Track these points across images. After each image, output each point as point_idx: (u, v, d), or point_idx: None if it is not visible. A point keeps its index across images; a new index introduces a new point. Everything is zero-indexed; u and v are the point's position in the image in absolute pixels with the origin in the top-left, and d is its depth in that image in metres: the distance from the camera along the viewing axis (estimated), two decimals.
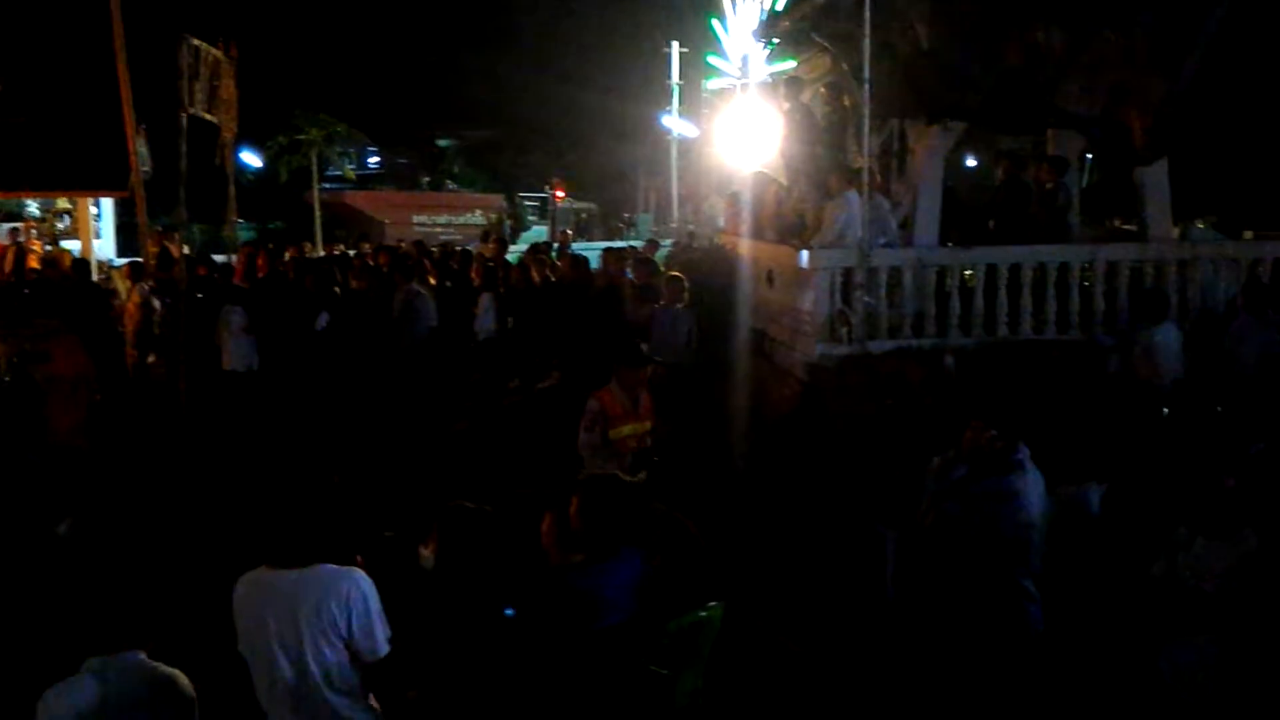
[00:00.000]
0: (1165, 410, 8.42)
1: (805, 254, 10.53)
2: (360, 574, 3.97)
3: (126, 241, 21.59)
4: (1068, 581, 5.55)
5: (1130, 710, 4.88)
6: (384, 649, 3.98)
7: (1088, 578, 5.50)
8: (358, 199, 45.24)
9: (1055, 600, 5.41)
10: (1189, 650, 4.56)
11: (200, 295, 12.46)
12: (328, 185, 46.21)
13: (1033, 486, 5.06)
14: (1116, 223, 13.44)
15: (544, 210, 44.79)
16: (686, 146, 40.99)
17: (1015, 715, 4.97)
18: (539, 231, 39.10)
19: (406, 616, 4.10)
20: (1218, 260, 10.96)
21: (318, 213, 41.79)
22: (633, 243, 24.18)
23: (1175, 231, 11.84)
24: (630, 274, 13.55)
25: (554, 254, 18.20)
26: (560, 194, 44.84)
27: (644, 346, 7.65)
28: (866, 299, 10.15)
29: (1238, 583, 4.45)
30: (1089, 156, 14.40)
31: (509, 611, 4.06)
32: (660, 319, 10.93)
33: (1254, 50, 11.19)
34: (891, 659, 6.02)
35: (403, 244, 19.07)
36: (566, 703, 4.01)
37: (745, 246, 13.24)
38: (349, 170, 48.71)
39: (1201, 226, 13.77)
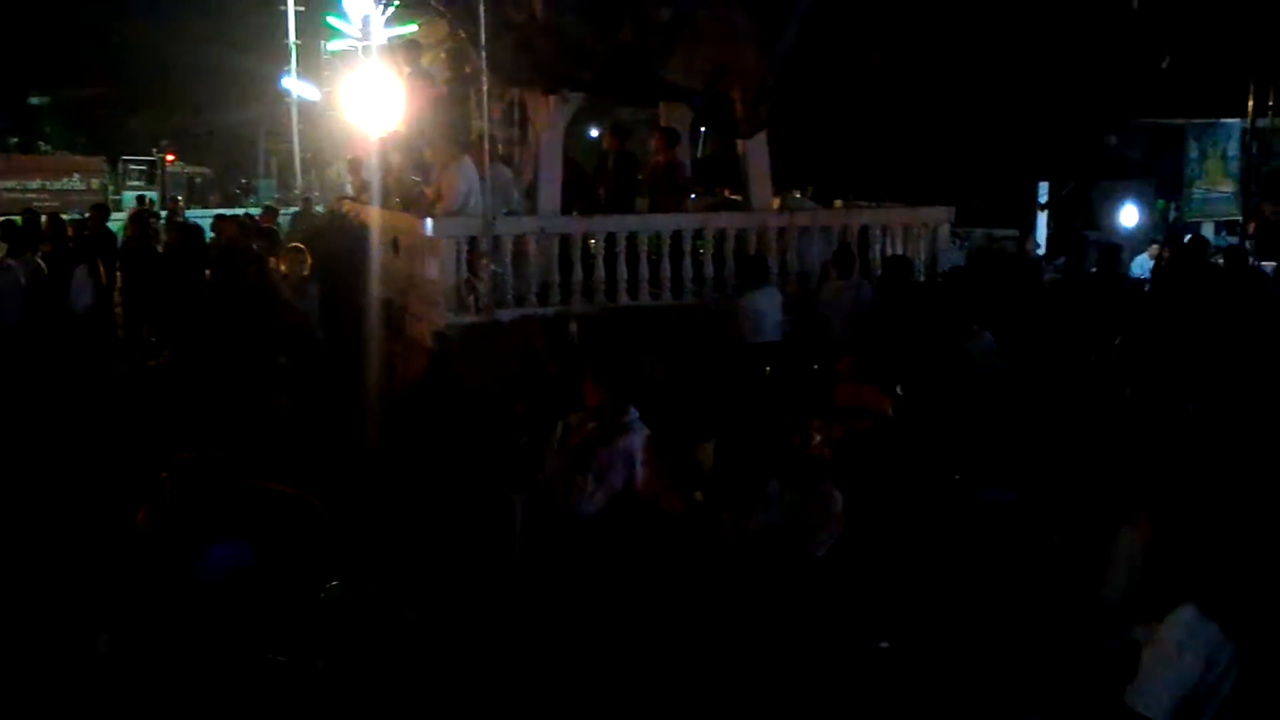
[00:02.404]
0: (767, 369, 9.04)
1: (429, 222, 10.46)
2: None
3: None
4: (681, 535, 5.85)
5: (728, 654, 5.21)
6: None
7: (700, 531, 5.81)
8: None
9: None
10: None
11: None
12: None
13: (641, 443, 5.29)
14: (726, 192, 14.24)
15: (152, 175, 41.66)
16: (308, 109, 39.44)
17: (636, 670, 5.18)
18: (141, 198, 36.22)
19: None
20: (812, 228, 11.87)
21: None
22: (249, 210, 23.00)
23: (776, 201, 12.70)
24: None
25: (163, 221, 17.09)
26: (171, 157, 41.92)
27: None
28: (492, 267, 10.22)
29: (825, 534, 4.87)
30: (704, 130, 15.17)
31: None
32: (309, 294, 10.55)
33: (844, 29, 12.08)
34: (518, 618, 6.12)
35: None
36: (176, 698, 3.80)
37: (370, 214, 12.96)
38: None
39: (799, 196, 14.82)
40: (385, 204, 12.90)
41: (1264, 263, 15.01)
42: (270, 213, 18.12)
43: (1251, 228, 17.96)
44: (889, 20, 12.20)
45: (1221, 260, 12.10)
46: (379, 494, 8.14)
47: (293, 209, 23.20)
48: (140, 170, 42.02)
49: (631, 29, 10.67)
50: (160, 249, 13.75)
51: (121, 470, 6.97)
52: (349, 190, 16.81)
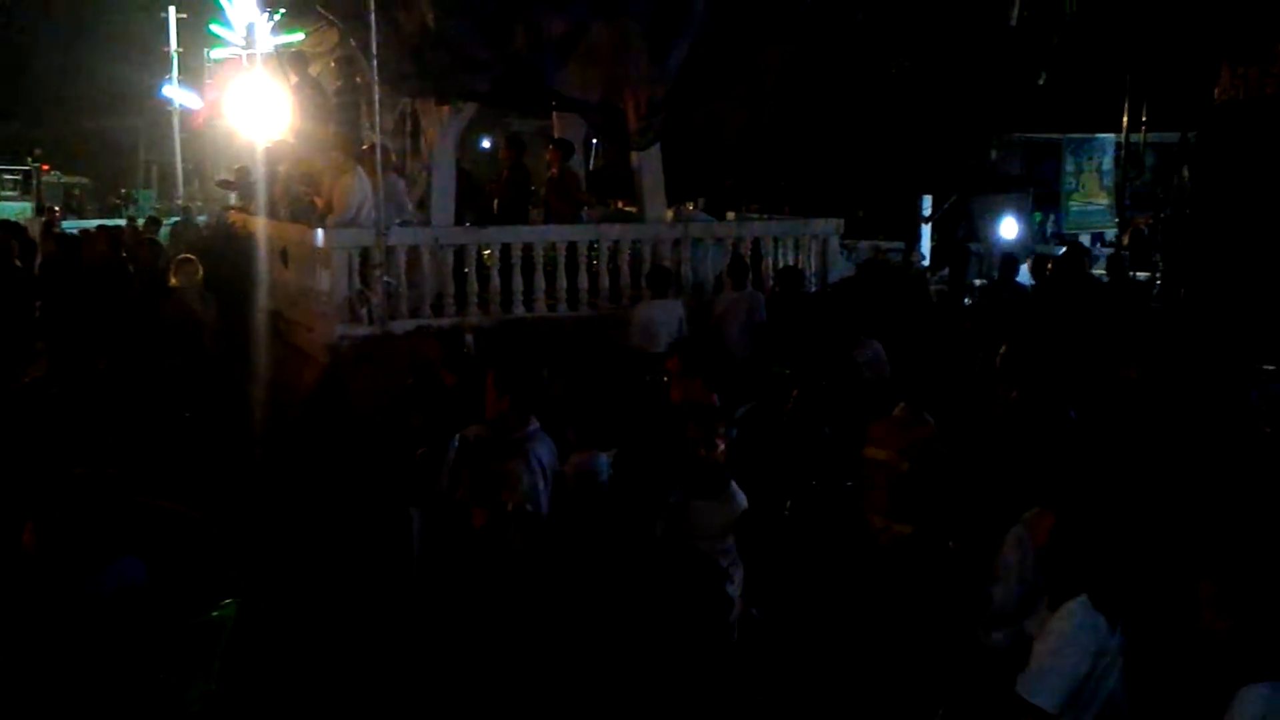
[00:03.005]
0: (665, 380, 9.07)
1: (320, 233, 10.30)
2: None
3: None
4: (583, 546, 5.84)
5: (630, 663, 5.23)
6: None
7: (600, 541, 5.81)
8: None
9: (572, 564, 5.67)
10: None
11: None
12: None
13: (545, 454, 5.31)
14: (620, 204, 14.30)
15: (27, 185, 40.15)
16: (191, 118, 38.56)
17: (529, 671, 5.15)
18: (10, 208, 34.75)
19: None
20: (706, 239, 11.98)
21: None
22: (131, 220, 22.31)
23: (669, 213, 12.79)
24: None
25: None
26: (46, 167, 40.52)
27: None
28: (386, 279, 10.08)
29: (731, 539, 4.91)
30: (596, 141, 15.20)
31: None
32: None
33: (736, 43, 12.24)
34: (417, 630, 6.05)
35: None
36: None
37: (257, 225, 12.70)
38: None
39: (692, 208, 14.95)
40: (273, 215, 12.65)
41: (1138, 273, 15.60)
42: (153, 223, 17.61)
43: (1125, 239, 18.67)
44: (779, 36, 12.38)
45: (1104, 270, 12.57)
46: (273, 509, 7.98)
47: (174, 219, 22.59)
48: (14, 180, 40.43)
49: (524, 40, 10.66)
50: (37, 260, 13.24)
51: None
52: (234, 200, 16.46)
